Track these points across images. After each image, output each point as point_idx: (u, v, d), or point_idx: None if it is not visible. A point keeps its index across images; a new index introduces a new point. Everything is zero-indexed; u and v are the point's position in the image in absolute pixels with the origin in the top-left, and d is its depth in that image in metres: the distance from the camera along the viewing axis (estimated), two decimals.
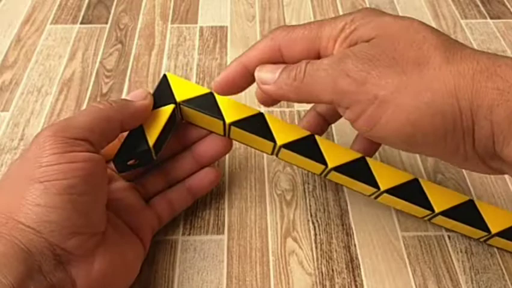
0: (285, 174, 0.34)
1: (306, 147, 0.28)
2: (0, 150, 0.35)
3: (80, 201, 0.22)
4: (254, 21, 0.47)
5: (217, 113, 0.27)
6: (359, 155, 0.28)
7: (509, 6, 0.49)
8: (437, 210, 0.28)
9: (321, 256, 0.30)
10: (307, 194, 0.33)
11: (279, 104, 0.39)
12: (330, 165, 0.27)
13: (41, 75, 0.41)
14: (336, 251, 0.30)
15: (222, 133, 0.29)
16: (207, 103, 0.28)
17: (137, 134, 0.26)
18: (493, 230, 0.28)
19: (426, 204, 0.28)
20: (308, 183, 0.33)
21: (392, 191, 0.28)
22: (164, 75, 0.29)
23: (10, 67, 0.42)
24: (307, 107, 0.39)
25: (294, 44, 0.24)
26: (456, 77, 0.20)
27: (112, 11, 0.48)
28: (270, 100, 0.29)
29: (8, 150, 0.35)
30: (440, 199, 0.28)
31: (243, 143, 0.29)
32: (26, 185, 0.21)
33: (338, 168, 0.28)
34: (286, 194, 0.33)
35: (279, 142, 0.27)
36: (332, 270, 0.29)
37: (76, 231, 0.22)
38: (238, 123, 0.28)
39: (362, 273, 0.29)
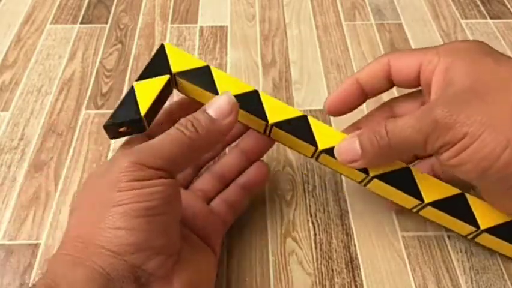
0: (285, 174, 0.34)
1: None
2: (0, 150, 0.35)
3: (158, 222, 0.22)
4: (254, 21, 0.47)
5: (212, 87, 0.27)
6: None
7: (509, 6, 0.49)
8: (426, 201, 0.27)
9: (320, 256, 0.30)
10: (307, 194, 0.33)
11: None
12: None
13: (41, 75, 0.41)
14: (335, 251, 0.30)
15: None
16: (202, 76, 0.27)
17: (130, 101, 0.26)
18: (482, 226, 0.27)
19: (416, 193, 0.27)
20: (308, 183, 0.33)
21: (381, 177, 0.27)
22: (162, 45, 0.28)
23: (10, 67, 0.42)
24: (308, 107, 0.39)
25: (402, 56, 0.27)
26: None
27: (112, 11, 0.48)
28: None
29: (8, 150, 0.35)
30: (430, 189, 0.27)
31: (243, 123, 0.29)
32: (104, 208, 0.21)
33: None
34: (286, 194, 0.33)
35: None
36: (332, 270, 0.29)
37: (156, 252, 0.22)
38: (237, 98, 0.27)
39: (362, 273, 0.29)
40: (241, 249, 0.30)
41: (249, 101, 0.27)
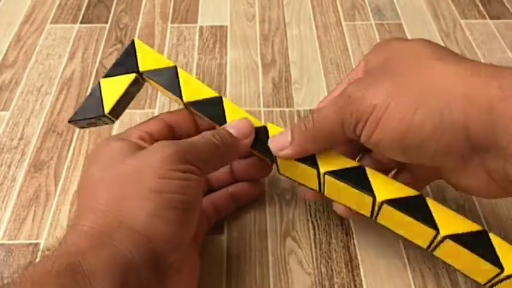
0: None
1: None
2: (0, 149, 0.35)
3: (190, 215, 0.23)
4: (254, 21, 0.47)
5: (177, 89, 0.27)
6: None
7: (508, 6, 0.49)
8: (379, 199, 0.24)
9: (320, 256, 0.30)
10: None
11: (278, 103, 0.39)
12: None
13: (40, 75, 0.41)
14: (335, 250, 0.30)
15: (182, 103, 0.28)
16: (169, 77, 0.28)
17: (95, 97, 0.27)
18: (443, 232, 0.23)
19: (368, 189, 0.24)
20: None
21: (331, 173, 0.25)
22: (132, 41, 0.29)
23: (10, 66, 0.42)
24: (308, 106, 0.39)
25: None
26: (458, 76, 0.20)
27: (112, 11, 0.48)
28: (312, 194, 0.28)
29: (8, 150, 0.35)
30: (386, 188, 0.25)
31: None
32: (142, 191, 0.21)
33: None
34: (285, 194, 0.33)
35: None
36: (331, 270, 0.29)
37: (182, 244, 0.23)
38: (194, 104, 0.27)
39: (362, 273, 0.29)
40: (241, 249, 0.30)
41: (212, 106, 0.27)
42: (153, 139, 0.26)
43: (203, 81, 0.40)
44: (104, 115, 0.26)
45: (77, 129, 0.37)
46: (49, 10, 0.47)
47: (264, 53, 0.43)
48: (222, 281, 0.28)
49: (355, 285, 0.28)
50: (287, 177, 0.28)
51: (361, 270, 0.29)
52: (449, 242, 0.23)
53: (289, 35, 0.45)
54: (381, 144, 0.22)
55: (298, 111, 0.38)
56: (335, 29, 0.46)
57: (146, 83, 0.29)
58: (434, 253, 0.24)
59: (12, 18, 0.46)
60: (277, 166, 0.27)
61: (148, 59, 0.28)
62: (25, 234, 0.30)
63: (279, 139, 0.26)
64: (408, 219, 0.24)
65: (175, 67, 0.28)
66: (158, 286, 0.21)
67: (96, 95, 0.27)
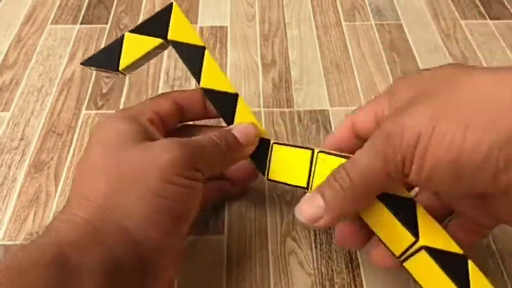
0: None
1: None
2: (0, 150, 0.35)
3: (185, 225, 0.22)
4: (254, 21, 0.47)
5: (197, 71, 0.27)
6: None
7: (508, 6, 0.49)
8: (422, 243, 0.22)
9: (320, 256, 0.30)
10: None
11: (278, 104, 0.39)
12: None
13: (41, 76, 0.41)
14: (335, 251, 0.30)
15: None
16: (193, 55, 0.27)
17: (115, 50, 0.26)
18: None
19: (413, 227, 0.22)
20: None
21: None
22: (171, 5, 0.27)
23: (10, 67, 0.42)
24: (308, 107, 0.39)
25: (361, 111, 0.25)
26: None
27: (112, 11, 0.48)
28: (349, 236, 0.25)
29: (8, 150, 0.35)
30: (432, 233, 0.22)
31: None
32: (144, 192, 0.21)
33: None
34: (286, 194, 0.33)
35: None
36: (332, 271, 0.29)
37: (174, 252, 0.22)
38: (209, 92, 0.27)
39: (362, 273, 0.29)
40: (241, 249, 0.30)
41: (225, 101, 0.27)
42: (162, 121, 0.26)
43: None
44: (116, 70, 0.26)
45: (78, 130, 0.37)
46: (49, 11, 0.47)
47: (264, 53, 0.43)
48: (222, 281, 0.28)
49: (355, 286, 0.28)
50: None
51: (361, 270, 0.29)
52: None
53: (289, 36, 0.45)
54: (434, 178, 0.19)
55: (298, 111, 0.38)
56: (335, 29, 0.46)
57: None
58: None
59: (12, 18, 0.46)
60: (267, 173, 0.27)
61: (180, 29, 0.27)
62: (25, 235, 0.30)
63: (309, 209, 0.22)
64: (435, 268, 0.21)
65: (204, 48, 0.27)
66: (140, 286, 0.21)
67: (116, 47, 0.26)
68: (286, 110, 0.38)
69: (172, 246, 0.22)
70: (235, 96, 0.27)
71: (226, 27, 0.46)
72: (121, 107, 0.38)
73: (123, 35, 0.26)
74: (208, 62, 0.27)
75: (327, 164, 0.24)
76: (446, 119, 0.18)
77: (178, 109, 0.27)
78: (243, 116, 0.27)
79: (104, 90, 0.40)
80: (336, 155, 0.24)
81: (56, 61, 0.42)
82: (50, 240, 0.19)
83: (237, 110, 0.27)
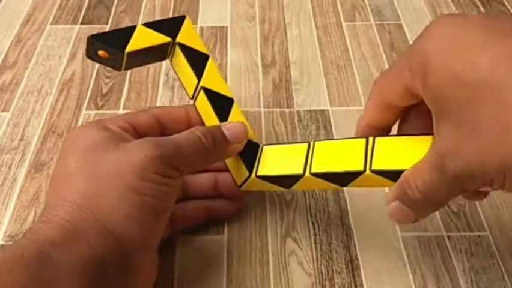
0: None
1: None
2: (0, 150, 0.35)
3: (163, 221, 0.23)
4: (254, 22, 0.47)
5: (200, 70, 0.28)
6: None
7: (508, 6, 0.49)
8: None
9: (320, 256, 0.30)
10: (307, 194, 0.33)
11: (278, 104, 0.39)
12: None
13: (41, 76, 0.41)
14: (335, 251, 0.30)
15: (191, 94, 0.28)
16: (197, 58, 0.28)
17: (125, 34, 0.27)
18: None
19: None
20: None
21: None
22: (184, 16, 0.29)
23: (10, 67, 0.42)
24: (308, 107, 0.39)
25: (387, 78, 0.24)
26: None
27: (112, 12, 0.48)
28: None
29: (8, 151, 0.35)
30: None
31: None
32: (121, 190, 0.21)
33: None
34: (286, 194, 0.33)
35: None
36: (332, 271, 0.29)
37: (151, 247, 0.23)
38: (208, 92, 0.28)
39: (362, 273, 0.29)
40: (241, 249, 0.30)
41: (221, 103, 0.28)
42: (137, 133, 0.25)
43: None
44: (122, 52, 0.26)
45: None
46: (50, 11, 0.47)
47: (264, 53, 0.43)
48: (222, 281, 0.28)
49: (355, 286, 0.28)
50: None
51: (361, 270, 0.29)
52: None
53: (290, 36, 0.45)
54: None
55: (298, 111, 0.38)
56: (335, 29, 0.46)
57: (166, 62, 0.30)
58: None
59: (12, 19, 0.46)
60: (256, 170, 0.27)
61: (188, 37, 0.28)
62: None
63: (401, 217, 0.22)
64: None
65: (208, 56, 0.29)
66: (121, 283, 0.21)
67: (127, 32, 0.27)
68: (286, 110, 0.38)
69: (152, 242, 0.23)
70: (231, 100, 0.28)
71: (226, 27, 0.46)
72: (121, 107, 0.38)
73: (135, 25, 0.27)
74: (211, 66, 0.28)
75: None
76: (498, 134, 0.17)
77: (159, 125, 0.27)
78: (236, 119, 0.28)
79: (104, 90, 0.40)
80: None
81: (56, 61, 0.42)
82: (30, 240, 0.19)
83: (231, 113, 0.28)
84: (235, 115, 0.28)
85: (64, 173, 0.22)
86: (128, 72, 0.41)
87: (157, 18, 0.47)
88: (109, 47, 0.26)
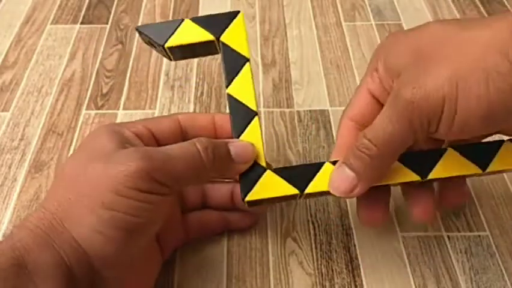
0: None
1: None
2: (1, 150, 0.35)
3: (135, 238, 0.21)
4: (254, 22, 0.47)
5: (231, 76, 0.27)
6: None
7: (508, 6, 0.49)
8: None
9: (320, 256, 0.30)
10: None
11: (278, 104, 0.39)
12: None
13: (41, 76, 0.41)
14: (335, 251, 0.30)
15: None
16: (234, 62, 0.27)
17: (170, 28, 0.27)
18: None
19: None
20: None
21: None
22: (238, 12, 0.29)
23: (10, 67, 0.42)
24: (308, 107, 0.39)
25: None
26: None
27: (113, 11, 0.48)
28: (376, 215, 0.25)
29: (8, 150, 0.35)
30: None
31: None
32: (92, 203, 0.20)
33: None
34: None
35: None
36: (332, 271, 0.29)
37: (120, 264, 0.22)
38: (232, 100, 0.26)
39: (362, 273, 0.29)
40: (241, 250, 0.30)
41: (241, 115, 0.26)
42: (155, 139, 0.25)
43: (203, 83, 0.41)
44: (162, 46, 0.26)
45: (78, 130, 0.37)
46: (50, 11, 0.47)
47: (264, 53, 0.43)
48: (222, 281, 0.28)
49: (355, 286, 0.28)
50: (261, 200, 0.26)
51: (361, 270, 0.29)
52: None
53: (290, 36, 0.45)
54: (464, 130, 0.20)
55: (298, 111, 0.38)
56: (335, 29, 0.46)
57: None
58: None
59: (12, 19, 0.46)
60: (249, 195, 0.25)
61: (234, 36, 0.27)
62: None
63: (343, 183, 0.23)
64: None
65: (248, 60, 0.27)
66: None
67: (172, 26, 0.27)
68: (286, 110, 0.38)
69: (122, 259, 0.22)
70: (254, 114, 0.26)
71: None
72: (121, 107, 0.38)
73: (183, 18, 0.27)
74: (245, 72, 0.27)
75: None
76: (465, 77, 0.19)
77: (181, 131, 0.26)
78: (252, 136, 0.26)
79: (104, 90, 0.40)
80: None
81: (56, 61, 0.42)
82: (5, 245, 0.19)
83: (249, 127, 0.26)
84: (252, 132, 0.26)
85: (59, 174, 0.23)
86: (128, 72, 0.41)
87: (157, 18, 0.47)
88: (152, 40, 0.26)
